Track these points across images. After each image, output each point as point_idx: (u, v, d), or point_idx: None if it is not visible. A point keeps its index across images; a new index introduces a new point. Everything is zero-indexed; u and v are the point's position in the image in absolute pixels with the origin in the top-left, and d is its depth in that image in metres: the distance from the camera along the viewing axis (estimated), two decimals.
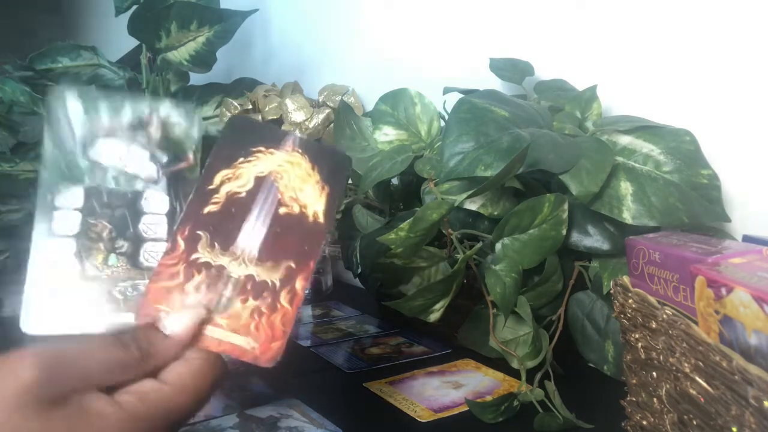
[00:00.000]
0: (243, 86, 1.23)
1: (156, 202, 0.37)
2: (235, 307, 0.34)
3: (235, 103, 1.12)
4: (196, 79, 1.25)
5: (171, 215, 0.37)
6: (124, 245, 0.36)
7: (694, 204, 0.56)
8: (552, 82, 0.75)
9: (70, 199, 0.35)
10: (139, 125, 0.37)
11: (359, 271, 0.73)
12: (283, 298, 0.35)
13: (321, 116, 1.05)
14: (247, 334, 0.34)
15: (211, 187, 0.36)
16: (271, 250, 0.35)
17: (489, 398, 0.55)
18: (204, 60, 1.14)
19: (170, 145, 0.38)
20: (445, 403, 0.55)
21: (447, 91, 0.77)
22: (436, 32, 0.99)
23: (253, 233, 0.35)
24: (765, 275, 0.33)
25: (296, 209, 0.36)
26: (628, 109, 0.71)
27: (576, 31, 0.77)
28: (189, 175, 0.38)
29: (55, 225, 0.34)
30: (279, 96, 1.10)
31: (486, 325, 0.60)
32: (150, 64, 1.17)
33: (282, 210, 0.36)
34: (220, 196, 0.35)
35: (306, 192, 0.37)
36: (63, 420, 0.27)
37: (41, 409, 0.27)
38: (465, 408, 0.54)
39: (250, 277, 0.35)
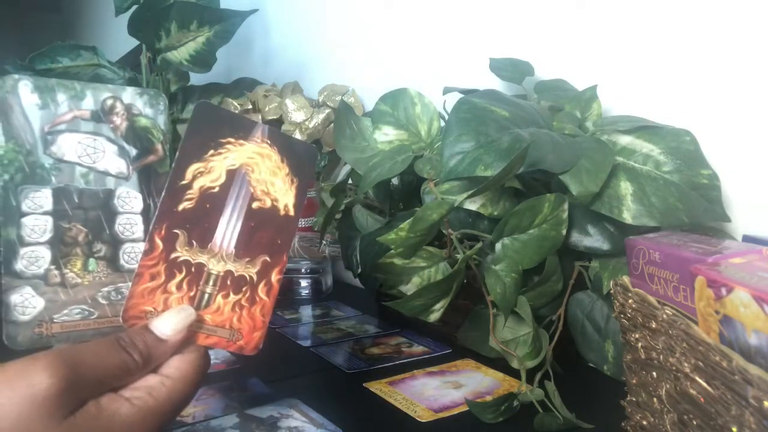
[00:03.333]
0: (243, 86, 1.23)
1: (129, 201, 0.36)
2: (217, 302, 0.35)
3: (235, 103, 1.12)
4: (196, 79, 1.25)
5: (146, 214, 0.36)
6: (102, 248, 0.35)
7: (694, 204, 0.56)
8: (552, 82, 0.75)
9: (38, 202, 0.33)
10: (103, 115, 0.35)
11: (359, 271, 0.73)
12: (261, 291, 0.36)
13: (321, 116, 1.05)
14: (231, 327, 0.36)
15: (183, 182, 0.35)
16: (247, 245, 0.36)
17: (489, 398, 0.55)
18: (204, 60, 1.14)
19: (137, 136, 0.36)
20: (445, 403, 0.55)
21: (447, 91, 0.77)
22: (436, 32, 0.99)
23: (228, 229, 0.36)
24: (765, 275, 0.33)
25: (268, 203, 0.37)
26: (628, 109, 0.71)
27: (576, 31, 0.77)
28: (159, 168, 0.37)
29: (25, 232, 0.32)
30: (279, 96, 1.10)
31: (486, 325, 0.60)
32: (150, 64, 1.18)
33: (255, 204, 0.37)
34: (194, 192, 0.35)
35: (277, 185, 0.37)
36: (83, 424, 0.28)
37: (61, 417, 0.28)
38: (465, 408, 0.54)
39: (229, 273, 0.36)
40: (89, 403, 0.29)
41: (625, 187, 0.56)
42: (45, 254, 0.32)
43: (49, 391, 0.27)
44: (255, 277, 0.36)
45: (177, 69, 1.18)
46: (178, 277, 0.34)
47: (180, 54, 1.13)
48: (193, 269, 0.35)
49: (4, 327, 0.31)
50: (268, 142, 0.37)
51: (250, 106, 1.11)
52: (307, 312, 0.90)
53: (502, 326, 0.60)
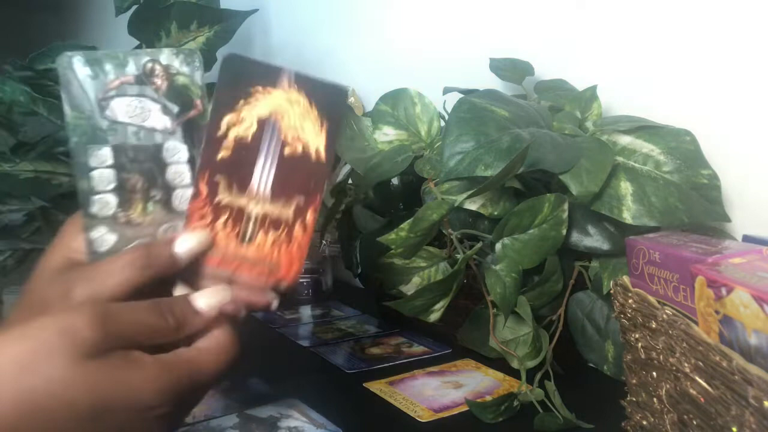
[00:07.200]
0: None
1: (176, 153, 0.40)
2: (258, 239, 0.39)
3: None
4: None
5: (192, 162, 0.40)
6: (157, 194, 0.39)
7: (694, 204, 0.56)
8: (552, 82, 0.75)
9: (101, 158, 0.39)
10: (145, 78, 0.39)
11: (359, 271, 0.73)
12: (297, 230, 0.40)
13: None
14: (271, 261, 0.39)
15: (219, 133, 0.39)
16: (282, 189, 0.39)
17: (489, 398, 0.55)
18: (204, 60, 1.14)
19: (177, 94, 0.40)
20: (445, 403, 0.55)
21: (447, 91, 0.77)
22: (436, 32, 0.99)
23: (264, 174, 0.39)
24: (765, 275, 0.34)
25: (299, 149, 0.39)
26: (628, 109, 0.71)
27: (576, 31, 0.77)
28: (201, 121, 0.40)
29: (94, 183, 0.38)
30: None
31: (486, 325, 0.60)
32: None
33: (286, 150, 0.39)
34: (229, 142, 0.39)
35: (306, 130, 0.39)
36: (107, 369, 0.31)
37: (88, 362, 0.30)
38: (465, 408, 0.54)
39: (267, 214, 0.39)
40: (117, 352, 0.31)
41: (625, 187, 0.56)
42: (112, 200, 0.39)
43: (83, 332, 0.30)
44: (291, 218, 0.39)
45: None
46: (223, 218, 0.39)
47: None
48: (235, 210, 0.39)
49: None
50: (296, 86, 0.39)
51: None
52: (307, 312, 0.90)
53: (502, 326, 0.60)
